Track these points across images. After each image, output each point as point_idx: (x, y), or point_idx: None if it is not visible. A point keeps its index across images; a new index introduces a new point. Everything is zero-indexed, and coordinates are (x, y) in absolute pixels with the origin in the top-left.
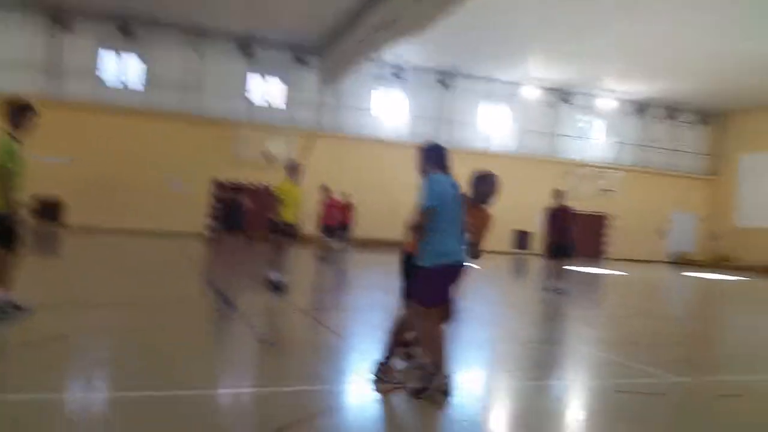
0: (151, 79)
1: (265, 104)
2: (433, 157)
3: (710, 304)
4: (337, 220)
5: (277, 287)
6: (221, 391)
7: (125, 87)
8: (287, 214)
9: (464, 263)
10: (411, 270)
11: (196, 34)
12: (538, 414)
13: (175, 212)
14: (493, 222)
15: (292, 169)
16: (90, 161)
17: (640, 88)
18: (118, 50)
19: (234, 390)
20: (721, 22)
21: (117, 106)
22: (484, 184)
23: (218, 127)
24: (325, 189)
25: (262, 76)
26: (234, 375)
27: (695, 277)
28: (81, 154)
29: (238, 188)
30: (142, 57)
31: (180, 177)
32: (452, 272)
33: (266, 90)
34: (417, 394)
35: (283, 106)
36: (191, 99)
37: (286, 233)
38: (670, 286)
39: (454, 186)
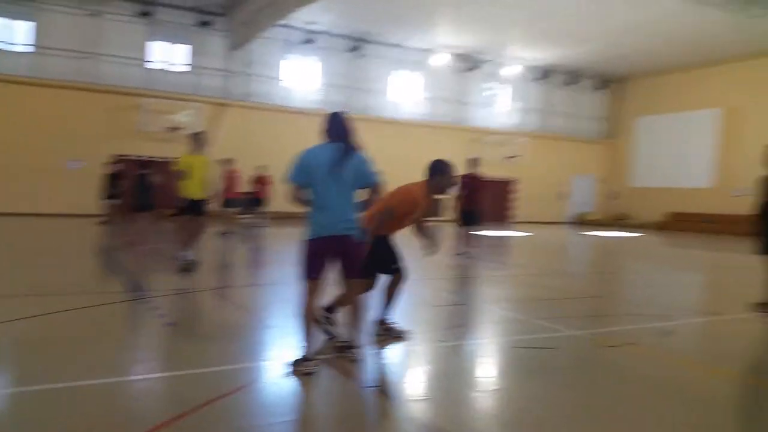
0: (41, 44)
1: (169, 72)
2: (328, 127)
3: (607, 260)
4: (243, 193)
5: (185, 267)
6: (128, 377)
7: (12, 53)
8: (193, 190)
9: (346, 236)
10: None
11: None
12: (446, 375)
13: (74, 192)
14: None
15: (197, 140)
16: None
17: (542, 55)
18: (5, 14)
19: (141, 376)
20: None
21: (1, 74)
22: (445, 177)
23: (118, 97)
24: (226, 161)
25: (165, 41)
26: (141, 360)
27: (594, 235)
28: None
29: (146, 164)
30: (33, 21)
31: (78, 153)
32: (326, 245)
33: (170, 56)
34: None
35: (189, 74)
36: (87, 66)
37: (193, 210)
38: (570, 246)
39: (333, 156)
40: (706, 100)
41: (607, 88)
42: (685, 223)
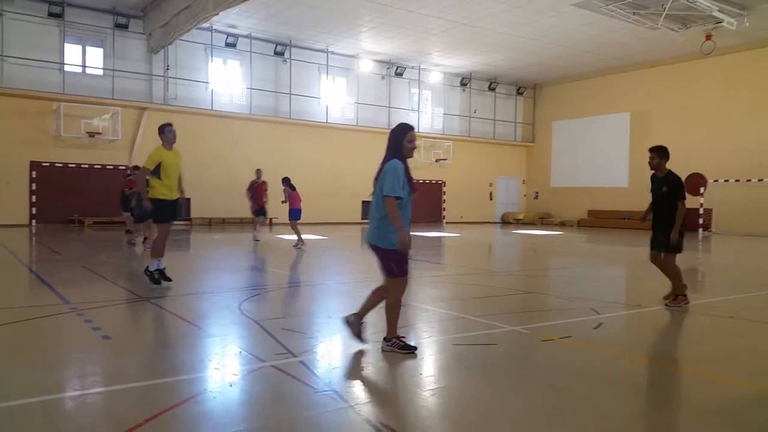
0: None
1: (86, 75)
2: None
3: (534, 258)
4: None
5: (156, 278)
6: (62, 395)
7: None
8: (167, 189)
9: (371, 245)
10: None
11: None
12: (390, 375)
13: None
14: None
15: (164, 133)
16: None
17: (461, 62)
18: None
19: (76, 392)
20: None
21: None
22: None
23: (32, 101)
24: (258, 171)
25: (80, 44)
26: (76, 377)
27: (520, 233)
28: None
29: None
30: None
31: None
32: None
33: (85, 59)
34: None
35: (107, 77)
36: None
37: (168, 213)
38: (498, 244)
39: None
40: (615, 105)
41: (524, 94)
42: (604, 220)
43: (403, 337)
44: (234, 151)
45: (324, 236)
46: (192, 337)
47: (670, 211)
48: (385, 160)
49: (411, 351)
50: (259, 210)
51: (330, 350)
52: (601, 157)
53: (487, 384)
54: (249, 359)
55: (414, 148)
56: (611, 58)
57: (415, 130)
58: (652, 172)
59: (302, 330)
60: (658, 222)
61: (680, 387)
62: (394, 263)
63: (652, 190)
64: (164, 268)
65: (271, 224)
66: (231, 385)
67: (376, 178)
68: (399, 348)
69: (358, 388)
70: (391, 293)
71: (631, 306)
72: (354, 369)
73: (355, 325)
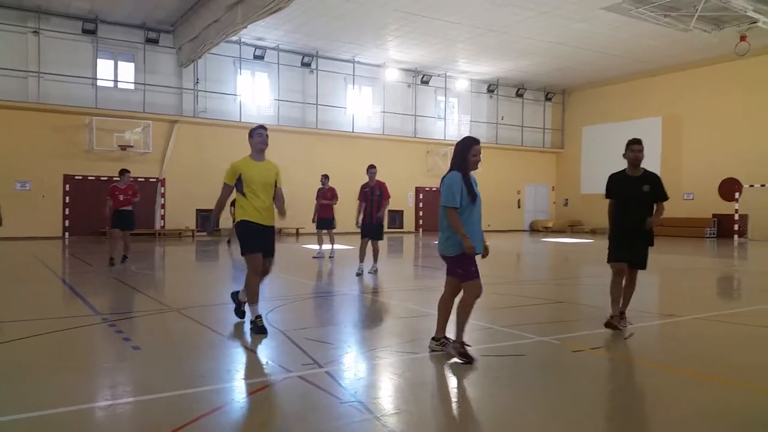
0: None
1: (118, 89)
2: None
3: (565, 266)
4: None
5: (258, 326)
6: (94, 405)
7: None
8: (254, 210)
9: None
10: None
11: (33, 13)
12: (418, 386)
13: (23, 214)
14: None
15: (256, 137)
16: None
17: (488, 69)
18: None
19: (107, 402)
20: (559, 5)
21: None
22: None
23: (65, 116)
24: (324, 177)
25: (112, 59)
26: (107, 386)
27: (550, 242)
28: None
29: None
30: None
31: (26, 174)
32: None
33: (118, 74)
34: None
35: (138, 91)
36: (31, 86)
37: (255, 241)
38: (527, 252)
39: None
40: (647, 109)
41: (552, 100)
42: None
43: (468, 345)
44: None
45: (351, 246)
46: (219, 347)
47: (649, 215)
48: (447, 173)
49: (468, 361)
50: (322, 222)
51: (356, 361)
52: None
53: (515, 396)
54: (275, 369)
55: (478, 161)
56: (641, 61)
57: (443, 138)
58: (619, 171)
59: (328, 340)
60: (635, 230)
61: (717, 398)
62: (460, 268)
63: (627, 192)
64: (258, 317)
65: (297, 234)
66: (257, 396)
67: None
68: (458, 353)
69: (384, 400)
70: (465, 296)
71: (664, 315)
72: (380, 380)
73: (450, 346)
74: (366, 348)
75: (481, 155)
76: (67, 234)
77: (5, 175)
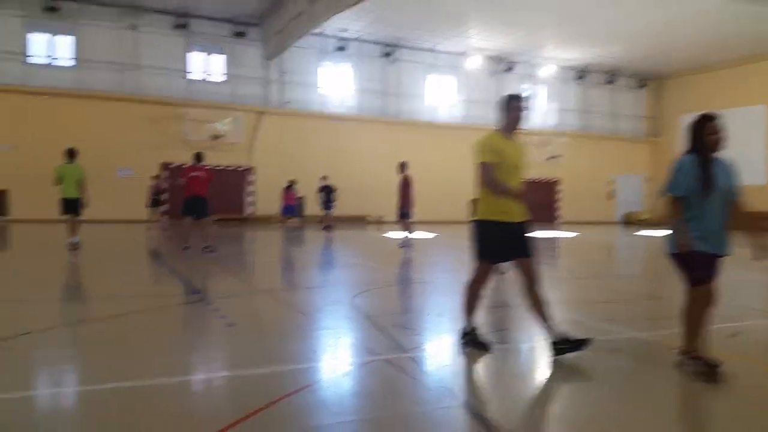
0: (83, 58)
1: (209, 82)
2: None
3: (661, 261)
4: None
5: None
6: (191, 377)
7: (55, 67)
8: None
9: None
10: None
11: (130, 9)
12: (504, 377)
13: (124, 199)
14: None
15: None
16: (30, 148)
17: (577, 55)
18: (46, 29)
19: (205, 375)
20: None
21: (47, 88)
22: None
23: (161, 107)
24: (402, 165)
25: (203, 52)
26: (204, 361)
27: (644, 235)
28: (20, 141)
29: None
30: (73, 36)
31: (127, 161)
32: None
33: (208, 67)
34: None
35: (227, 83)
36: (128, 78)
37: (498, 248)
38: (620, 246)
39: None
40: (750, 97)
41: (647, 87)
42: (737, 221)
43: (708, 359)
44: (344, 152)
45: (433, 234)
46: (308, 329)
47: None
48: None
49: (713, 377)
50: (401, 213)
51: (440, 348)
52: (734, 152)
53: (604, 391)
54: (361, 352)
55: (718, 140)
56: (744, 46)
57: (527, 126)
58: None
59: (413, 327)
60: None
61: None
62: (682, 269)
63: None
64: (474, 329)
65: (379, 223)
66: (344, 376)
67: None
68: (702, 368)
69: (469, 387)
70: (684, 302)
71: None
72: (465, 368)
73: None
74: (450, 336)
75: (721, 133)
76: (166, 217)
77: (108, 163)
